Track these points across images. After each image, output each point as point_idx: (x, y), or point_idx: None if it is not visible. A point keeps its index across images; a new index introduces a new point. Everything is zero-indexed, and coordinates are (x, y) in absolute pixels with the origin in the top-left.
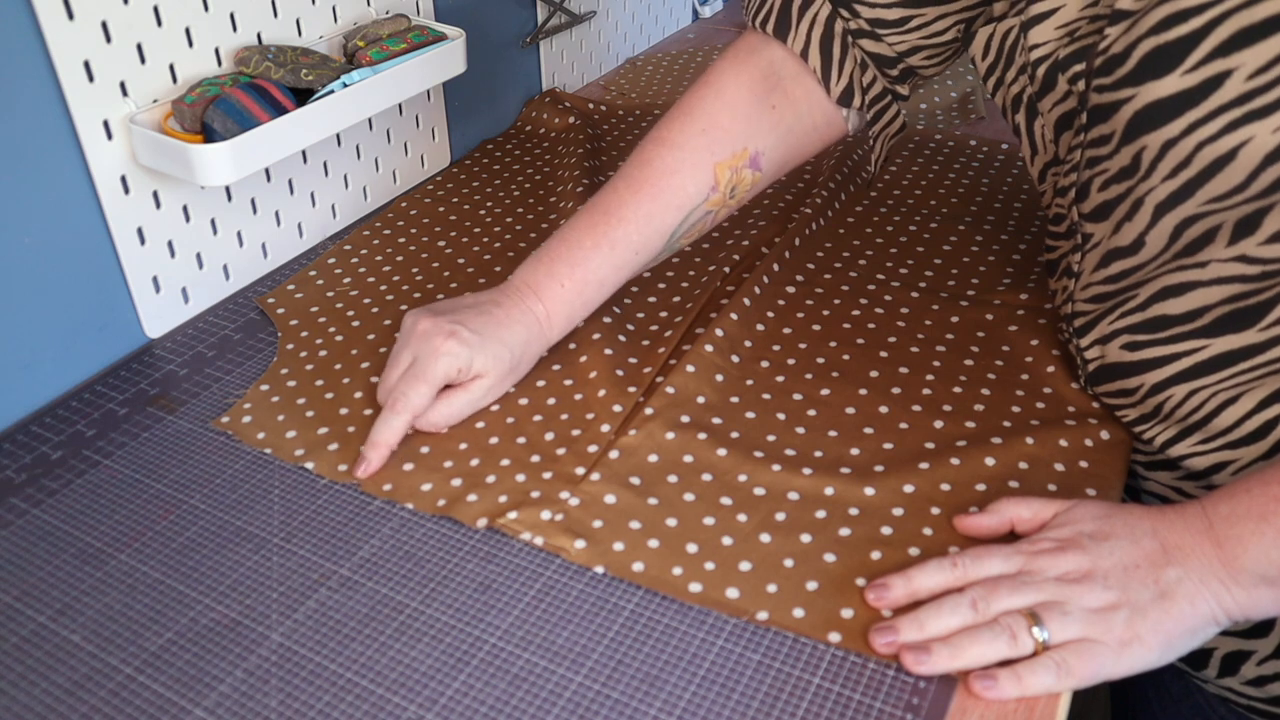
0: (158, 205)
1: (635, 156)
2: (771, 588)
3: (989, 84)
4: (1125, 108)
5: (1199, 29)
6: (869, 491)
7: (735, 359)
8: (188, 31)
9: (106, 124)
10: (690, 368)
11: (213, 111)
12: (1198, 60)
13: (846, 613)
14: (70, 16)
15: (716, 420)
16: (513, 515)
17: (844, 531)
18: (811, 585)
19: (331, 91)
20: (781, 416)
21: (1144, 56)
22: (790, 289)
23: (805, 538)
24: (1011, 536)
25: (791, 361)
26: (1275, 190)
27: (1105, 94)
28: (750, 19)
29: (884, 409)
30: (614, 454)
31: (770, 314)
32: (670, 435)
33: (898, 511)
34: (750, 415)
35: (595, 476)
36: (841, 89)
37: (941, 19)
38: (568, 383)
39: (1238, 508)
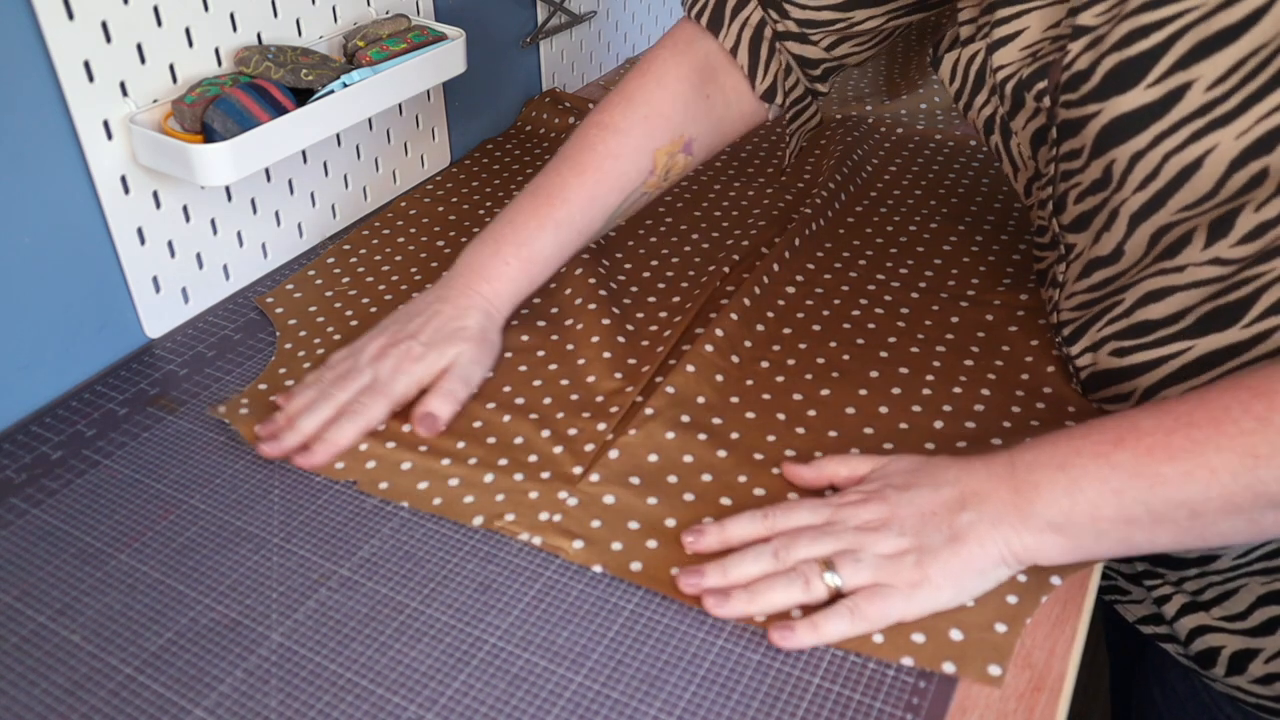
0: (158, 205)
1: (577, 140)
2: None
3: (959, 106)
4: (1093, 122)
5: (1160, 43)
6: None
7: (735, 359)
8: (188, 31)
9: (106, 124)
10: (690, 368)
11: (213, 111)
12: (1160, 74)
13: None
14: (70, 16)
15: (717, 420)
16: (510, 516)
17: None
18: None
19: (331, 91)
20: (782, 417)
21: (1108, 72)
22: (790, 289)
23: None
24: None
25: (791, 362)
26: (1243, 193)
27: (1073, 109)
28: (687, 10)
29: (884, 409)
30: (614, 454)
31: (770, 314)
32: (670, 435)
33: None
34: (750, 416)
35: (594, 477)
36: (765, 87)
37: (871, 19)
38: (564, 383)
39: (1040, 456)
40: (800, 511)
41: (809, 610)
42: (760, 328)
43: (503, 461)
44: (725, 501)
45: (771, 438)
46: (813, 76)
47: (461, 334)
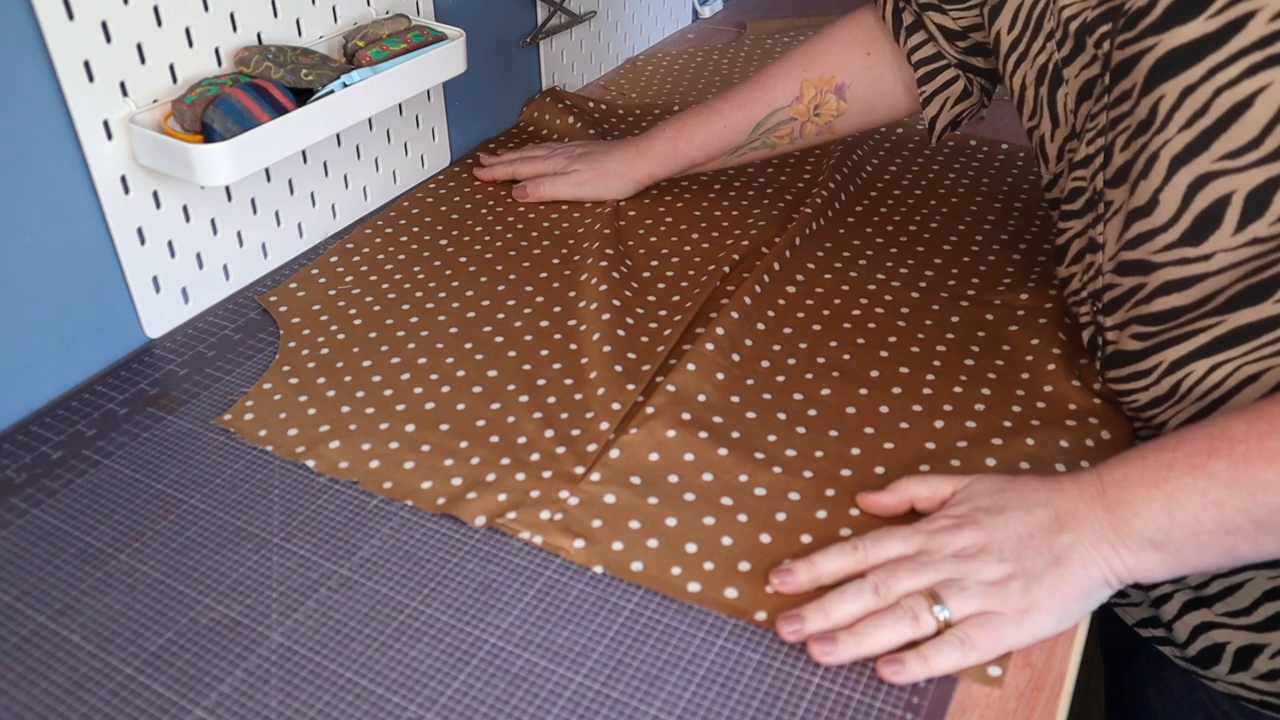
0: (158, 205)
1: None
2: (770, 588)
3: (1010, 62)
4: (1147, 57)
5: None
6: None
7: (736, 358)
8: (188, 31)
9: (106, 124)
10: (691, 366)
11: (213, 111)
12: (1224, 3)
13: None
14: (70, 16)
15: (718, 419)
16: (512, 515)
17: (845, 532)
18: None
19: (331, 91)
20: (782, 416)
21: (1171, 4)
22: (790, 289)
23: (805, 538)
24: (914, 515)
25: (792, 361)
26: None
27: (1129, 48)
28: None
29: (884, 409)
30: (615, 453)
31: (771, 313)
32: (671, 433)
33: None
34: (751, 415)
35: (595, 476)
36: (908, 49)
37: None
38: (568, 382)
39: (1131, 474)
40: (892, 541)
41: (915, 641)
42: (761, 327)
43: (505, 461)
44: (726, 501)
45: (772, 437)
46: (961, 48)
47: (597, 162)
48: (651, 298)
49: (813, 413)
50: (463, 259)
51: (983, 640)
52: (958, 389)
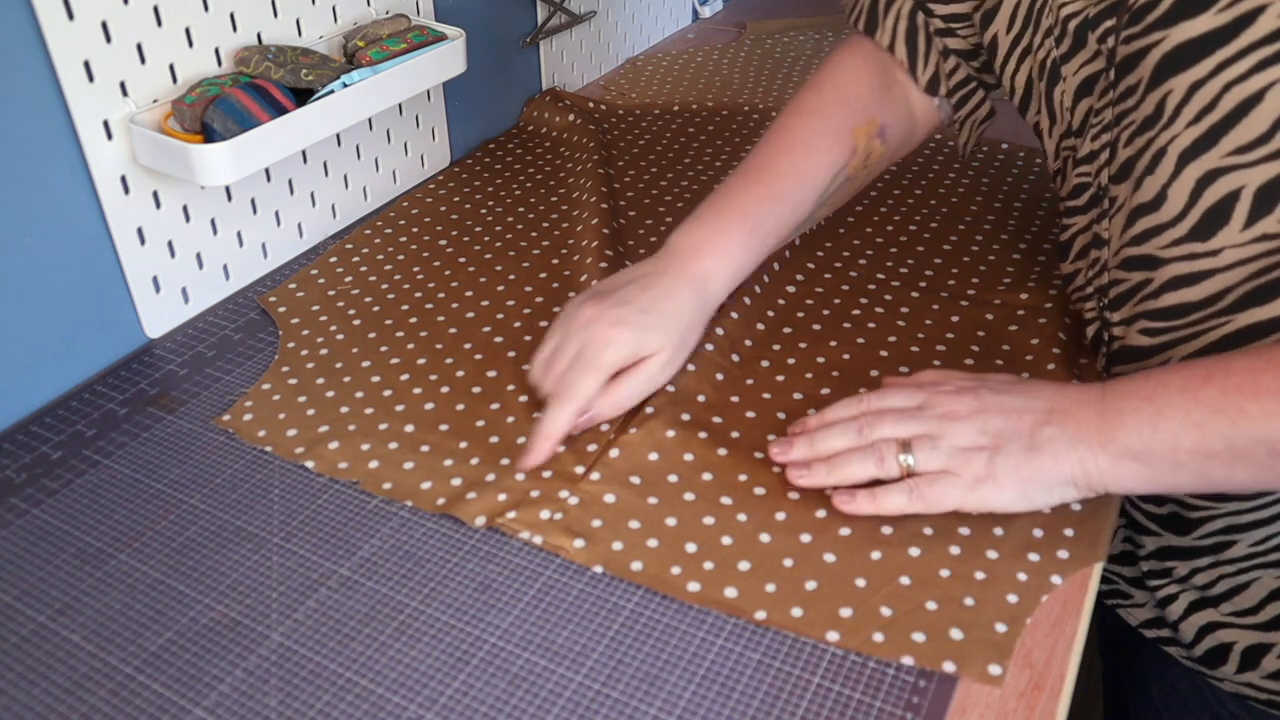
0: (158, 205)
1: (777, 125)
2: (770, 587)
3: (1011, 60)
4: (1154, 51)
5: None
6: None
7: (736, 358)
8: (188, 31)
9: (106, 124)
10: (691, 366)
11: (213, 111)
12: None
13: (845, 612)
14: (70, 16)
15: (717, 419)
16: (512, 515)
17: (844, 531)
18: (810, 585)
19: (331, 91)
20: (782, 416)
21: None
22: (790, 289)
23: (805, 537)
24: None
25: (792, 361)
26: None
27: (1134, 42)
28: (848, 18)
29: None
30: (614, 452)
31: (770, 313)
32: (671, 434)
33: None
34: (751, 415)
35: (595, 476)
36: (928, 78)
37: None
38: None
39: (1130, 387)
40: (894, 395)
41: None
42: (761, 327)
43: (505, 461)
44: (725, 501)
45: (772, 436)
46: (975, 67)
47: (673, 322)
48: None
49: (812, 412)
50: (462, 259)
51: (930, 494)
52: None
